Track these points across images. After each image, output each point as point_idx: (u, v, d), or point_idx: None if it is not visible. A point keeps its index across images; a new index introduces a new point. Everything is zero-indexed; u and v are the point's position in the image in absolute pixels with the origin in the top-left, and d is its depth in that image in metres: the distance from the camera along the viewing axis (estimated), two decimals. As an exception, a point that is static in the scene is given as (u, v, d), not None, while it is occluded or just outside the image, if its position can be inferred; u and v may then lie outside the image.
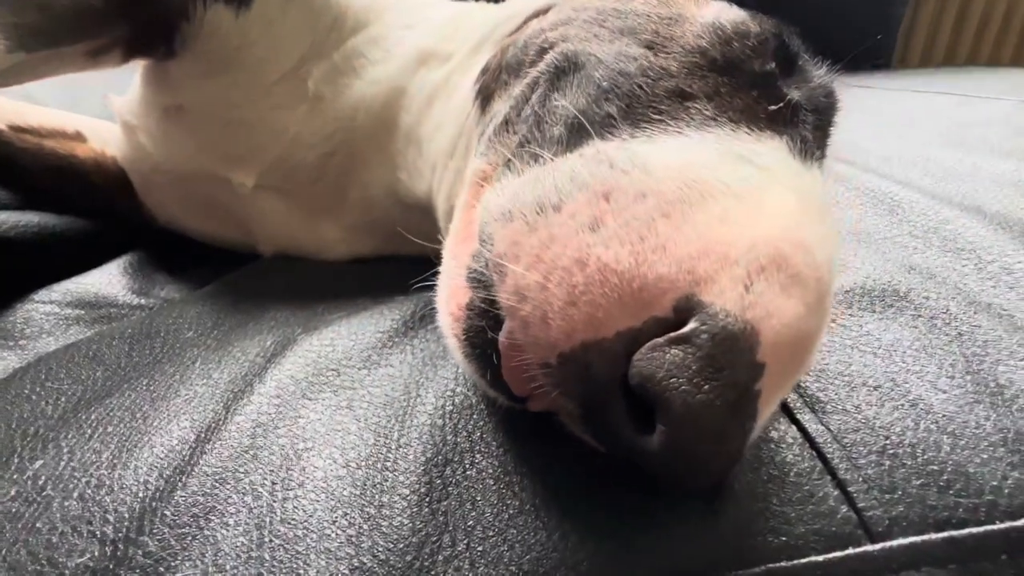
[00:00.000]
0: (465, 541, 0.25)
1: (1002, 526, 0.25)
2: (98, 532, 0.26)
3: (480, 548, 0.25)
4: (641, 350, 0.21)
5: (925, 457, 0.27)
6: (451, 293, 0.28)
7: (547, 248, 0.23)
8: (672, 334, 0.21)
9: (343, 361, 0.35)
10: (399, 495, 0.27)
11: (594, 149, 0.26)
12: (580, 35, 0.33)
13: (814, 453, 0.28)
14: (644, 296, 0.21)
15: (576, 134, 0.28)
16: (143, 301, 0.42)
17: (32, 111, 0.51)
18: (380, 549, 0.25)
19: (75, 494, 0.28)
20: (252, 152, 0.44)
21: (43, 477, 0.29)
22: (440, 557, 0.25)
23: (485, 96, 0.37)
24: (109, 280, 0.43)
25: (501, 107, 0.34)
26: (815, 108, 0.33)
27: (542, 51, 0.34)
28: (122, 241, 0.50)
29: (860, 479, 0.26)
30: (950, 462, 0.27)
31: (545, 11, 0.40)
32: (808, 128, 0.31)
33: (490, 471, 0.28)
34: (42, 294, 0.41)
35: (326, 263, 0.47)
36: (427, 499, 0.27)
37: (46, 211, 0.46)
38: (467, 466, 0.28)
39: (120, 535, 0.26)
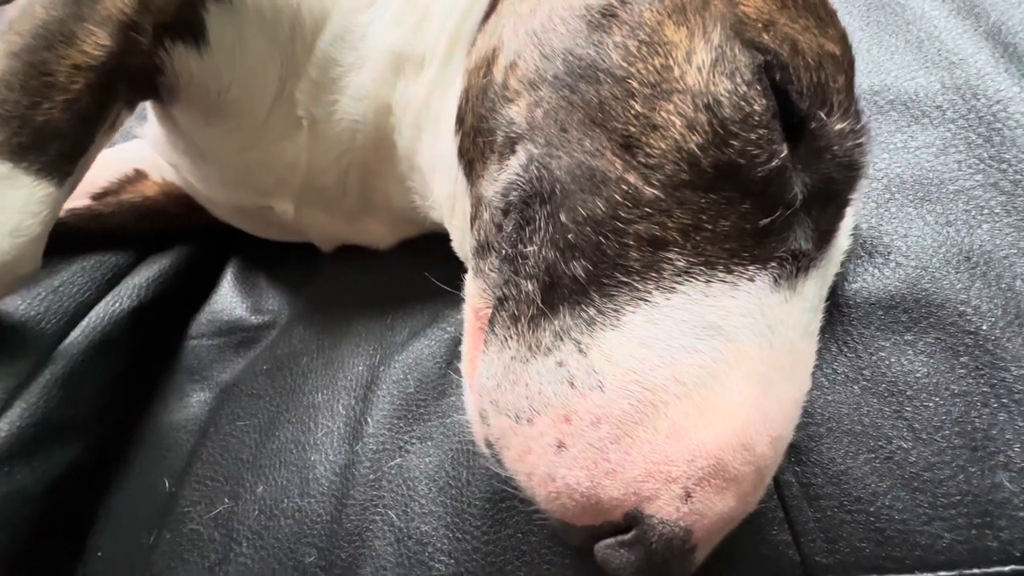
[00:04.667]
0: (521, 563, 0.39)
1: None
2: (314, 542, 0.44)
3: (537, 571, 0.38)
4: (599, 545, 0.29)
5: (878, 514, 0.32)
6: (473, 419, 0.35)
7: (527, 454, 0.29)
8: (621, 538, 0.28)
9: (417, 395, 0.45)
10: (473, 527, 0.40)
11: (556, 358, 0.28)
12: (548, 127, 0.30)
13: (780, 504, 0.34)
14: (600, 508, 0.28)
15: (548, 298, 0.29)
16: (262, 319, 0.53)
17: (95, 169, 0.55)
18: (470, 559, 0.40)
19: (288, 515, 0.45)
20: (279, 184, 0.46)
21: (267, 499, 0.46)
22: (508, 568, 0.39)
23: (468, 161, 0.35)
24: (229, 302, 0.54)
25: (484, 192, 0.33)
26: (825, 198, 0.28)
27: (510, 142, 0.31)
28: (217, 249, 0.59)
29: (813, 529, 0.33)
30: (897, 520, 0.32)
31: None
32: (809, 231, 0.28)
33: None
34: (193, 329, 0.53)
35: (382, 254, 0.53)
36: (492, 528, 0.39)
37: (156, 252, 0.55)
38: (518, 502, 0.39)
39: (324, 545, 0.44)
